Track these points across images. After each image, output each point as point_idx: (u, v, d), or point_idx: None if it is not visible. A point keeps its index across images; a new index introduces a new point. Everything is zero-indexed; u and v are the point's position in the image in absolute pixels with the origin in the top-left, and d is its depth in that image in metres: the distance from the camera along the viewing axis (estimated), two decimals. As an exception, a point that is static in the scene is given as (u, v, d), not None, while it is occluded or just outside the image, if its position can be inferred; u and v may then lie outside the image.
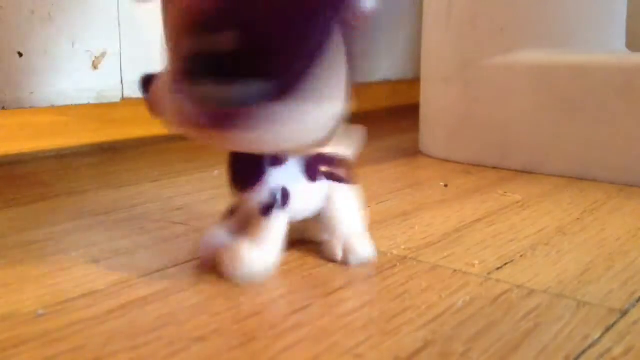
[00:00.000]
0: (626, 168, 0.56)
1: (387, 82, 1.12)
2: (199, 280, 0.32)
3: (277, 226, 0.32)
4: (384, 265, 0.35)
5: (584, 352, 0.26)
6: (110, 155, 0.69)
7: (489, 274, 0.34)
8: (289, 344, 0.26)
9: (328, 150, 0.35)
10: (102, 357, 0.24)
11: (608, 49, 0.65)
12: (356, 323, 0.28)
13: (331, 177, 0.35)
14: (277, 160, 0.34)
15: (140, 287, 0.31)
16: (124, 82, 0.71)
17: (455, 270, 0.34)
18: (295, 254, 0.36)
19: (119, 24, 0.69)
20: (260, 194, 0.32)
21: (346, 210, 0.35)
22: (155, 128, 0.80)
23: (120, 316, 0.28)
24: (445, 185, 0.56)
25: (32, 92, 0.65)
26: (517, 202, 0.50)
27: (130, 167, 0.63)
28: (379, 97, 1.14)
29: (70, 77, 0.67)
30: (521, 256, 0.37)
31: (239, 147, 0.29)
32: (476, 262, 0.36)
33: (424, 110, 0.73)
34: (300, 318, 0.28)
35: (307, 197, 0.34)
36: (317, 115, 0.28)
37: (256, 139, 0.27)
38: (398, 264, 0.35)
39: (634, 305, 0.30)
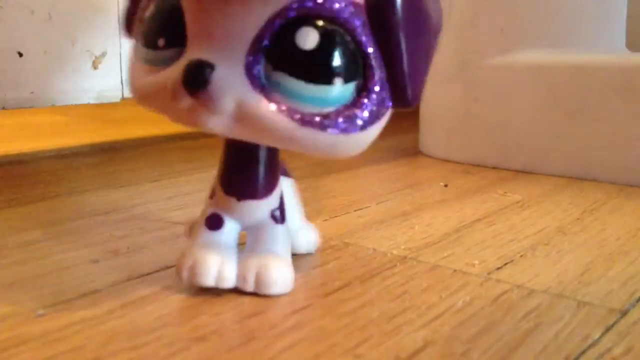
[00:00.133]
0: (626, 168, 0.56)
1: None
2: (199, 280, 0.32)
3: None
4: (384, 265, 0.35)
5: (584, 352, 0.26)
6: (110, 155, 0.69)
7: (489, 274, 0.34)
8: (289, 344, 0.26)
9: None
10: (102, 357, 0.24)
11: (608, 49, 0.65)
12: (356, 323, 0.28)
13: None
14: (284, 169, 0.34)
15: (140, 287, 0.31)
16: (124, 82, 0.71)
17: (455, 270, 0.34)
18: (294, 255, 0.36)
19: (119, 24, 0.69)
20: (272, 202, 0.31)
21: (290, 203, 0.34)
22: (155, 128, 0.81)
23: (120, 316, 0.28)
24: (445, 185, 0.56)
25: (32, 92, 0.65)
26: (517, 202, 0.50)
27: (130, 167, 0.63)
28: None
29: (70, 77, 0.67)
30: (521, 256, 0.37)
31: (313, 150, 0.27)
32: (476, 262, 0.36)
33: (424, 110, 0.73)
34: (300, 318, 0.28)
35: None
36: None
37: (338, 142, 0.26)
38: (398, 264, 0.35)
39: (634, 305, 0.30)
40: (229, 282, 0.30)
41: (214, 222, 0.31)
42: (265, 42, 0.25)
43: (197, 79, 0.25)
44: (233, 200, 0.31)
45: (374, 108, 0.27)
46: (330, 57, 0.25)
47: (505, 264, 0.36)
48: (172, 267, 0.33)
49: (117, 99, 0.72)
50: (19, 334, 0.26)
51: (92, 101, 0.70)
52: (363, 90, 0.26)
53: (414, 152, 0.73)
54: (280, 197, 0.32)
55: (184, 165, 0.63)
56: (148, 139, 0.77)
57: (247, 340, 0.26)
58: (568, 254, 0.38)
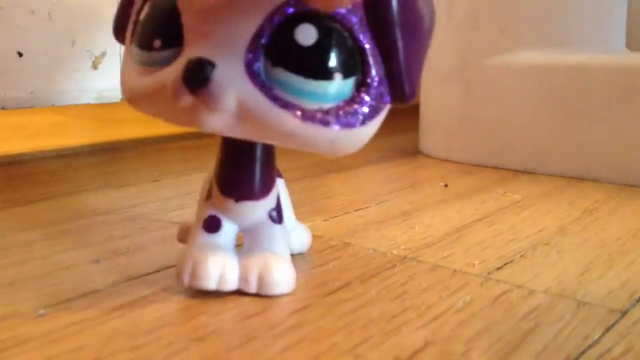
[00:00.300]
0: (626, 168, 0.56)
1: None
2: (199, 280, 0.32)
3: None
4: (384, 265, 0.35)
5: (584, 352, 0.26)
6: (110, 155, 0.69)
7: (489, 274, 0.34)
8: (289, 344, 0.26)
9: None
10: (102, 357, 0.24)
11: (608, 49, 0.65)
12: (356, 323, 0.28)
13: None
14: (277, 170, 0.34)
15: (140, 287, 0.31)
16: (123, 82, 0.71)
17: (455, 270, 0.34)
18: (294, 254, 0.36)
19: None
20: (269, 202, 0.31)
21: (284, 204, 0.34)
22: (155, 128, 0.81)
23: (120, 316, 0.28)
24: (445, 185, 0.56)
25: (32, 92, 0.65)
26: (517, 202, 0.50)
27: (130, 167, 0.63)
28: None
29: (70, 77, 0.67)
30: (521, 256, 0.37)
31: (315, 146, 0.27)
32: (476, 262, 0.36)
33: (423, 110, 0.73)
34: (300, 318, 0.28)
35: None
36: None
37: (341, 137, 0.27)
38: (398, 264, 0.35)
39: (634, 305, 0.30)
40: (231, 284, 0.30)
41: (212, 225, 0.31)
42: (265, 39, 0.25)
43: (198, 77, 0.25)
44: (231, 202, 0.31)
45: (373, 103, 0.27)
46: (329, 52, 0.26)
47: (505, 264, 0.36)
48: (172, 267, 0.33)
49: (117, 99, 0.72)
50: (19, 334, 0.26)
51: (92, 101, 0.70)
52: (362, 85, 0.27)
53: (414, 152, 0.73)
54: (277, 197, 0.32)
55: (184, 165, 0.63)
56: (148, 139, 0.77)
57: (247, 340, 0.26)
58: (568, 254, 0.38)
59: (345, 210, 0.47)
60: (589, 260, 0.37)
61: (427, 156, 0.70)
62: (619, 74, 0.57)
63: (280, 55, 0.26)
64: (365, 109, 0.27)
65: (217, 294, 0.30)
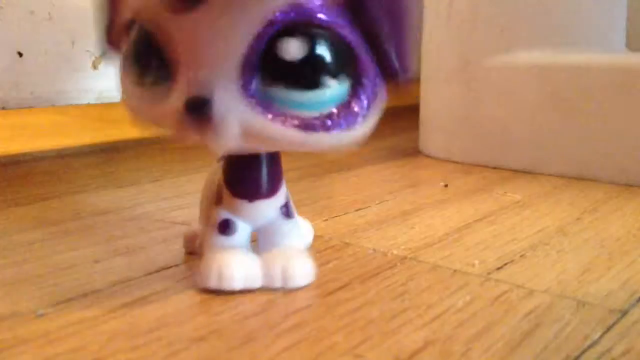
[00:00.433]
0: (626, 168, 0.56)
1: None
2: (199, 280, 0.32)
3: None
4: (384, 265, 0.35)
5: (584, 352, 0.26)
6: (110, 155, 0.69)
7: (489, 274, 0.34)
8: (289, 344, 0.26)
9: None
10: (102, 357, 0.24)
11: (608, 49, 0.65)
12: (356, 323, 0.28)
13: None
14: None
15: (140, 287, 0.31)
16: (124, 82, 0.71)
17: (455, 270, 0.34)
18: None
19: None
20: (279, 199, 0.32)
21: None
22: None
23: (120, 316, 0.28)
24: (445, 185, 0.56)
25: (32, 92, 0.65)
26: (517, 202, 0.50)
27: (130, 167, 0.63)
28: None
29: (70, 77, 0.67)
30: (521, 256, 0.37)
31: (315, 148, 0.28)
32: (476, 262, 0.36)
33: (424, 110, 0.73)
34: (300, 318, 0.28)
35: None
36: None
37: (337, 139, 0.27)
38: (398, 264, 0.35)
39: (634, 305, 0.30)
40: (257, 282, 0.30)
41: (228, 227, 0.31)
42: (256, 59, 0.26)
43: (198, 118, 0.25)
44: (244, 203, 0.31)
45: (370, 97, 0.27)
46: (321, 61, 0.26)
47: (505, 264, 0.36)
48: (172, 267, 0.33)
49: (117, 99, 0.72)
50: (19, 334, 0.26)
51: (92, 101, 0.70)
52: (357, 84, 0.27)
53: (414, 152, 0.73)
54: (286, 194, 0.33)
55: (184, 165, 0.63)
56: (148, 139, 0.77)
57: (247, 340, 0.26)
58: (568, 254, 0.38)
59: (345, 210, 0.47)
60: (589, 260, 0.37)
61: (427, 156, 0.70)
62: (619, 74, 0.57)
63: (273, 74, 0.26)
64: (364, 106, 0.27)
65: (216, 294, 0.30)
